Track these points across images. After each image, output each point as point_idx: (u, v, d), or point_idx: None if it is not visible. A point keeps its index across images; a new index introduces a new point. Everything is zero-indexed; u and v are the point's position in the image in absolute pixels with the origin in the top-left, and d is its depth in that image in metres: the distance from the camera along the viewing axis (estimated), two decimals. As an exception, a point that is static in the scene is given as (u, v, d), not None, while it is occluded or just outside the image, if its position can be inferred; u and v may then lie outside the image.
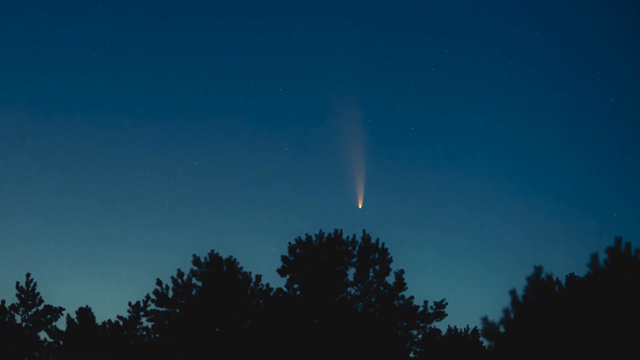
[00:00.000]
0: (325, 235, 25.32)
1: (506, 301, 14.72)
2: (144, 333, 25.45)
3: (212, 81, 53.24)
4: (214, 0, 52.49)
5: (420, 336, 25.79)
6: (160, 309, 24.38)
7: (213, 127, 52.98)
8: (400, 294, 25.28)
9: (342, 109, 45.01)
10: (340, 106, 45.61)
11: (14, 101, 51.17)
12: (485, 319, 14.51)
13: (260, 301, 24.35)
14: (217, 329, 23.99)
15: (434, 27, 51.95)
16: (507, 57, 50.91)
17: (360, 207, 38.60)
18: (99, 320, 25.86)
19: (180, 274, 24.29)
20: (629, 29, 48.45)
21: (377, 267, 25.33)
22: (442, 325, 27.60)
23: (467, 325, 27.37)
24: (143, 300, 25.29)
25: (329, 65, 50.66)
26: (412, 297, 25.31)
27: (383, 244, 25.45)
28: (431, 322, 25.59)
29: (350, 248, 25.32)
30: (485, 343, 25.23)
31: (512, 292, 14.70)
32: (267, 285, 24.68)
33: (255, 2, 52.13)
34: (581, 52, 51.73)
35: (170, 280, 24.32)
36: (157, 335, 24.89)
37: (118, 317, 25.65)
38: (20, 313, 25.47)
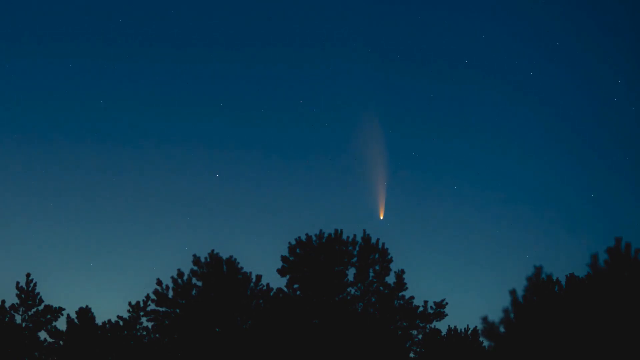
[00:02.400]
0: (325, 235, 25.31)
1: (506, 301, 14.71)
2: (144, 333, 25.43)
3: (235, 100, 53.37)
4: (241, 29, 52.74)
5: (420, 336, 25.79)
6: (160, 309, 24.37)
7: (219, 130, 52.97)
8: (400, 294, 25.28)
9: (364, 123, 45.14)
10: (361, 119, 45.82)
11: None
12: (485, 319, 14.50)
13: (260, 301, 24.35)
14: (217, 329, 23.99)
15: (456, 35, 52.21)
16: (516, 66, 51.42)
17: (381, 218, 38.37)
18: (99, 320, 25.87)
19: (180, 274, 24.28)
20: (625, 53, 49.05)
21: (377, 267, 25.32)
22: (442, 325, 27.63)
23: (467, 325, 27.39)
24: (143, 300, 25.30)
25: (350, 80, 50.94)
26: (412, 297, 25.31)
27: (383, 244, 25.47)
28: (431, 322, 25.58)
29: (350, 248, 25.32)
30: (485, 343, 25.23)
31: (512, 292, 14.69)
32: (267, 285, 24.69)
33: (278, 33, 52.48)
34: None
35: (170, 280, 24.32)
36: (157, 335, 24.87)
37: (118, 317, 25.65)
38: (20, 313, 25.45)
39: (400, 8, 52.00)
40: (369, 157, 42.62)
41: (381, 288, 25.25)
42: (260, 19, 52.32)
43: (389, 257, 25.38)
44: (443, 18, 51.42)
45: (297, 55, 53.31)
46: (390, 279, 25.35)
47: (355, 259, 25.30)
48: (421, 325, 25.52)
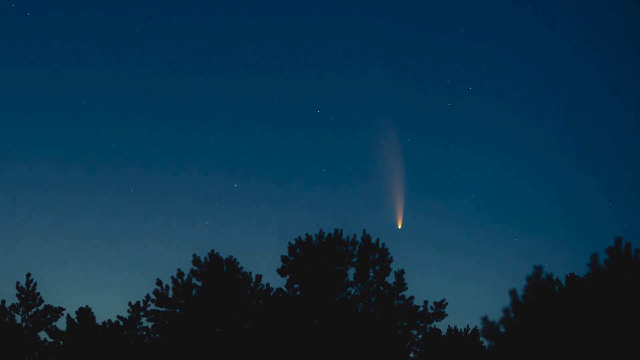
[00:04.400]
0: (325, 235, 25.31)
1: (506, 301, 14.74)
2: (144, 333, 25.43)
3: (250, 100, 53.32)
4: (258, 39, 52.88)
5: (420, 336, 25.79)
6: (160, 309, 24.37)
7: (246, 143, 52.97)
8: (400, 294, 25.28)
9: (381, 131, 45.16)
10: (378, 128, 45.88)
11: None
12: (485, 319, 14.52)
13: (260, 301, 24.35)
14: (217, 329, 24.00)
15: (473, 44, 52.23)
16: (534, 67, 51.55)
17: (400, 227, 38.16)
18: (99, 320, 25.85)
19: (180, 274, 24.29)
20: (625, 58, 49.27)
21: (377, 267, 25.32)
22: (442, 325, 27.57)
23: (467, 325, 27.34)
24: (143, 300, 25.29)
25: (367, 89, 50.90)
26: (412, 297, 25.31)
27: (383, 244, 25.47)
28: (431, 322, 25.58)
29: (350, 248, 25.31)
30: (485, 343, 25.22)
31: (512, 292, 14.71)
32: (267, 285, 24.69)
33: (295, 42, 52.67)
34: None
35: (170, 280, 24.33)
36: (157, 335, 24.88)
37: (118, 317, 25.64)
38: (20, 313, 25.44)
39: (417, 17, 52.11)
40: (385, 163, 42.57)
41: (381, 288, 25.24)
42: (278, 29, 52.46)
43: (389, 257, 25.38)
44: (459, 26, 51.44)
45: (314, 64, 53.37)
46: (390, 279, 25.38)
47: (355, 259, 25.29)
48: (421, 325, 25.51)
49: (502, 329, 14.53)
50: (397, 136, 45.40)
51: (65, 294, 46.39)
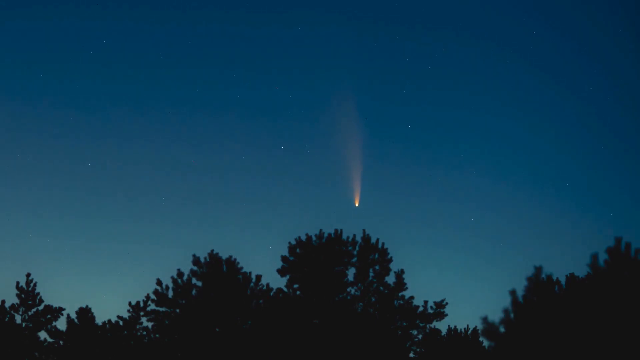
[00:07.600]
0: (325, 235, 25.33)
1: (506, 301, 14.75)
2: (144, 333, 25.43)
3: (209, 78, 53.49)
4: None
5: (420, 336, 25.79)
6: (160, 309, 24.38)
7: (210, 125, 53.28)
8: (400, 294, 25.28)
9: (339, 106, 45.14)
10: (337, 103, 45.84)
11: (11, 97, 51.21)
12: (485, 319, 14.53)
13: (260, 301, 24.35)
14: (217, 329, 24.00)
15: (431, 22, 52.11)
16: (505, 53, 51.25)
17: (356, 205, 38.44)
18: (99, 320, 25.84)
19: (180, 274, 24.30)
20: (630, 25, 48.80)
21: (377, 267, 25.33)
22: (442, 325, 27.57)
23: (467, 325, 27.33)
24: (143, 300, 25.29)
25: (326, 62, 51.01)
26: (412, 297, 25.31)
27: (383, 243, 25.49)
28: (431, 322, 25.57)
29: (350, 248, 25.32)
30: (485, 343, 25.23)
31: (512, 292, 14.73)
32: (267, 285, 24.69)
33: None
34: (582, 49, 51.95)
35: (170, 280, 24.34)
36: (157, 335, 24.88)
37: (118, 317, 25.63)
38: (20, 313, 25.43)
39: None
40: (346, 145, 42.56)
41: (381, 288, 25.25)
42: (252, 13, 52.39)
43: (389, 257, 25.39)
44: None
45: (276, 41, 53.26)
46: (390, 279, 25.38)
47: (355, 259, 25.31)
48: (421, 325, 25.51)
49: (502, 329, 14.54)
50: (356, 113, 45.36)
51: (65, 294, 46.41)
